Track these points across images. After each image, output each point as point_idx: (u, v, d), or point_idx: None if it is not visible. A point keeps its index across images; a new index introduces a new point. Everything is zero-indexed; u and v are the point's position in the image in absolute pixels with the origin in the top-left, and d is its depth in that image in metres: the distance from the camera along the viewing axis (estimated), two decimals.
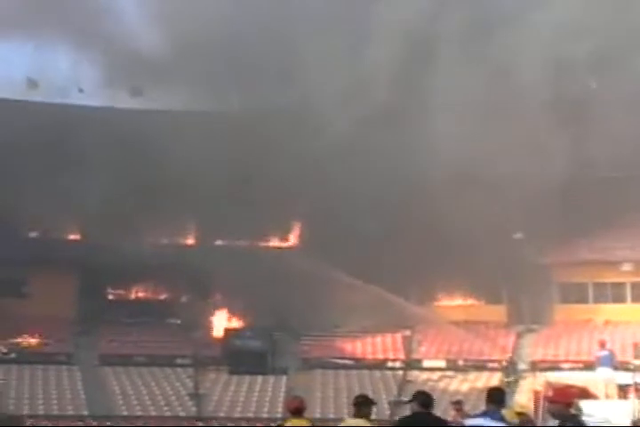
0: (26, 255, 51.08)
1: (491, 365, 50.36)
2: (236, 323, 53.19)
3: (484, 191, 44.35)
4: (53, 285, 52.04)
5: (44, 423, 44.19)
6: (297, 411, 11.17)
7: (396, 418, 41.46)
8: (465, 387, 47.21)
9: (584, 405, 20.84)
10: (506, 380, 42.38)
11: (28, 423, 42.28)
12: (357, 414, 10.65)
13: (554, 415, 8.95)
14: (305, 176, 47.58)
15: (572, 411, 8.75)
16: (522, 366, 49.86)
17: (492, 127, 44.41)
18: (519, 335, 52.85)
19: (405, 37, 45.20)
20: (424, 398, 10.58)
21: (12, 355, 50.16)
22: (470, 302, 56.08)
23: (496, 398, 10.39)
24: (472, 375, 48.79)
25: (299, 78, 47.43)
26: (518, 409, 19.72)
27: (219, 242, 57.39)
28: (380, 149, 45.09)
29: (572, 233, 50.12)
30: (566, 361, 48.49)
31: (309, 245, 53.90)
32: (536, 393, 34.23)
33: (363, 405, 10.73)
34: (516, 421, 14.53)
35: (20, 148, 46.14)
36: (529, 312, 53.42)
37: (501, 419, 10.16)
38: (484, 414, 10.23)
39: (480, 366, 50.15)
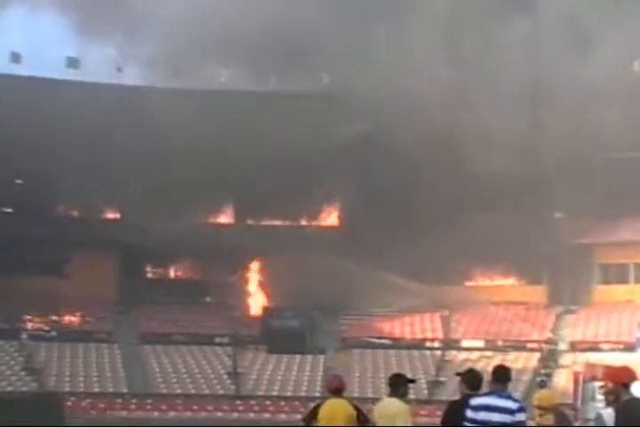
0: (66, 235, 51.39)
1: (530, 345, 50.09)
2: (274, 302, 53.23)
3: (523, 172, 43.96)
4: (94, 264, 52.41)
5: (84, 401, 44.65)
6: (337, 390, 11.09)
7: (435, 398, 41.51)
8: None
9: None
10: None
11: (69, 401, 42.76)
12: (393, 394, 10.50)
13: (608, 396, 8.65)
14: (344, 156, 47.38)
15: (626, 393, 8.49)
16: (561, 346, 49.54)
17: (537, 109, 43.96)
18: (559, 316, 52.48)
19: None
20: (471, 380, 10.25)
21: (54, 333, 50.63)
22: (510, 282, 55.77)
23: (502, 376, 10.09)
24: (511, 356, 48.52)
25: (335, 61, 47.14)
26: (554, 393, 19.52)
27: (257, 221, 57.46)
28: (419, 127, 44.73)
29: (613, 213, 49.58)
30: (606, 342, 48.17)
31: (349, 225, 53.85)
32: (575, 374, 33.96)
33: (398, 384, 10.56)
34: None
35: (60, 127, 46.35)
36: (569, 293, 53.04)
37: (512, 398, 9.92)
38: (490, 393, 9.97)
39: (519, 347, 49.88)
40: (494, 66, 44.63)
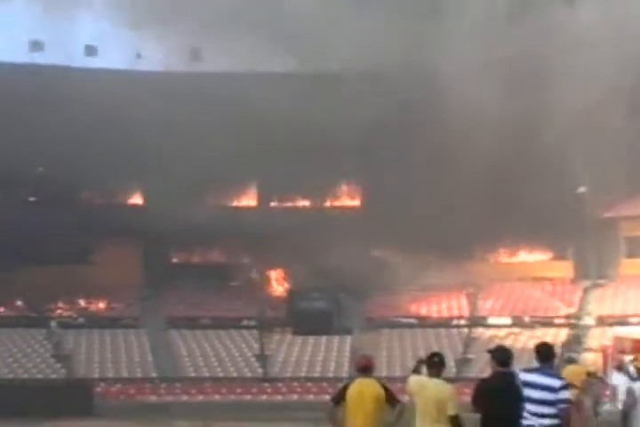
0: (91, 223, 51.53)
1: (557, 321, 49.93)
2: (299, 284, 53.24)
3: (546, 146, 43.67)
4: (119, 250, 52.58)
5: (114, 387, 44.88)
6: (365, 369, 11.01)
7: (462, 375, 41.42)
8: (532, 344, 46.78)
9: None
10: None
11: (98, 387, 42.97)
12: (432, 373, 10.36)
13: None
14: (366, 136, 47.19)
15: None
16: (589, 321, 49.32)
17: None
18: (586, 291, 52.25)
19: None
20: (502, 356, 10.16)
21: (82, 320, 50.92)
22: (536, 257, 55.55)
23: (545, 353, 10.02)
24: (539, 332, 48.38)
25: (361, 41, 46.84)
26: (584, 368, 19.35)
27: (280, 203, 57.45)
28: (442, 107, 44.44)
29: (638, 186, 49.17)
30: (634, 315, 47.89)
31: (372, 205, 53.73)
32: (604, 348, 33.90)
33: (438, 363, 10.40)
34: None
35: (81, 114, 46.40)
36: (595, 267, 52.77)
37: (557, 376, 9.85)
38: (537, 370, 9.92)
39: (546, 323, 49.74)
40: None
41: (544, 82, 43.61)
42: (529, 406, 9.78)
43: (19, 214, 50.96)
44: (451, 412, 10.05)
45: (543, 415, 9.68)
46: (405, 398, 10.77)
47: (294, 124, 45.54)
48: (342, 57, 48.09)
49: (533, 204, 45.82)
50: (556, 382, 9.67)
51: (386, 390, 10.82)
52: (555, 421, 9.68)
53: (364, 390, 10.78)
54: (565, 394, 9.69)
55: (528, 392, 9.75)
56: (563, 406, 9.69)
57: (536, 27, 44.55)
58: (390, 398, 10.75)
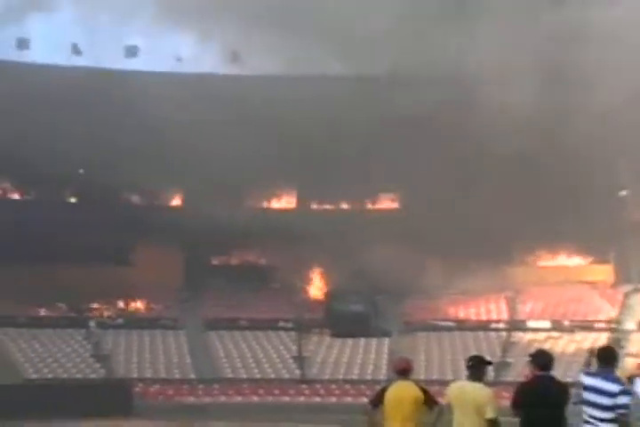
0: (131, 224, 51.84)
1: (597, 325, 49.48)
2: (337, 286, 53.21)
3: (587, 148, 43.32)
4: (158, 252, 52.84)
5: (152, 387, 45.09)
6: (403, 372, 10.95)
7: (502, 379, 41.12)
8: (571, 348, 46.46)
9: None
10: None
11: (137, 387, 43.22)
12: (473, 377, 10.27)
13: None
14: (409, 140, 47.06)
15: None
16: (630, 325, 48.83)
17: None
18: (627, 295, 51.73)
19: None
20: (543, 360, 10.03)
21: (121, 321, 51.22)
22: (576, 261, 55.12)
23: (606, 358, 9.90)
24: (579, 336, 47.98)
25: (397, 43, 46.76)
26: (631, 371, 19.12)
27: (319, 205, 57.47)
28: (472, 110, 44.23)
29: None
30: None
31: (411, 208, 53.57)
32: None
33: (478, 366, 10.31)
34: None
35: (121, 116, 46.74)
36: (636, 271, 52.23)
37: (617, 380, 9.73)
38: (597, 374, 9.81)
39: (587, 327, 49.30)
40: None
41: (584, 81, 43.23)
42: (589, 410, 9.70)
43: (60, 215, 51.39)
44: (489, 415, 9.98)
45: (602, 420, 9.59)
46: (443, 401, 10.70)
47: (334, 127, 45.56)
48: (384, 60, 47.99)
49: (574, 207, 45.47)
50: (615, 387, 9.57)
51: (424, 392, 10.77)
52: (613, 426, 9.59)
53: (402, 393, 10.73)
54: (624, 399, 9.57)
55: (587, 396, 9.68)
56: (621, 411, 9.55)
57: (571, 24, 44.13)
58: (429, 401, 10.70)
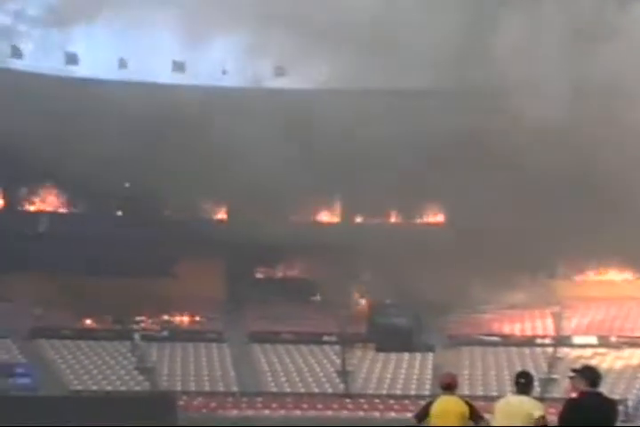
0: (175, 237, 52.08)
1: None
2: (381, 300, 53.04)
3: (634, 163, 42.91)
4: (202, 265, 52.93)
5: (196, 400, 45.19)
6: (448, 387, 10.92)
7: (552, 396, 40.72)
8: (619, 364, 45.93)
9: None
10: None
11: (181, 400, 43.35)
12: (522, 392, 10.20)
13: None
14: (450, 154, 46.90)
15: None
16: None
17: None
18: None
19: None
20: (591, 376, 9.89)
21: (165, 333, 51.41)
22: (624, 276, 54.50)
23: None
24: (626, 352, 47.41)
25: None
26: None
27: (363, 219, 57.39)
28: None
29: None
30: None
31: (455, 223, 53.29)
32: None
33: (528, 382, 10.24)
34: None
35: (166, 129, 47.05)
36: None
37: None
38: None
39: (634, 343, 48.68)
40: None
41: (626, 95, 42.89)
42: None
43: (106, 229, 51.82)
44: (537, 414, 9.88)
45: None
46: (489, 417, 10.62)
47: (378, 139, 45.50)
48: (429, 73, 47.87)
49: (620, 221, 44.98)
50: None
51: (470, 406, 10.70)
52: None
53: (448, 407, 10.68)
54: None
55: None
56: None
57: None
58: (474, 415, 10.63)
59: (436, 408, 10.73)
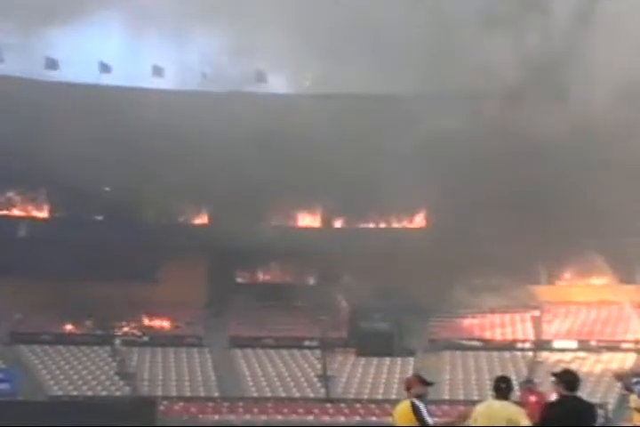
0: (156, 241, 51.96)
1: (624, 346, 49.06)
2: (362, 305, 53.04)
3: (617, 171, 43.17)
4: (183, 269, 52.86)
5: (177, 405, 45.06)
6: (407, 389, 11.34)
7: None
8: (598, 368, 46.12)
9: None
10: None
11: (161, 405, 43.22)
12: (501, 397, 10.26)
13: None
14: (433, 159, 46.99)
15: None
16: None
17: None
18: None
19: None
20: (570, 380, 9.85)
21: (146, 338, 51.29)
22: (603, 281, 54.74)
23: None
24: (605, 356, 47.60)
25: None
26: None
27: (344, 224, 57.44)
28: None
29: None
30: None
31: (436, 226, 53.43)
32: None
33: (507, 387, 10.30)
34: None
35: (146, 134, 46.92)
36: None
37: None
38: None
39: (613, 347, 48.91)
40: None
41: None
42: None
43: (87, 233, 51.64)
44: (524, 424, 9.98)
45: None
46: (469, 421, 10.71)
47: (358, 145, 45.58)
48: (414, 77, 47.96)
49: (600, 226, 45.24)
50: None
51: (414, 410, 11.02)
52: None
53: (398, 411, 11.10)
54: None
55: None
56: None
57: None
58: (418, 421, 10.93)
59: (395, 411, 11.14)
